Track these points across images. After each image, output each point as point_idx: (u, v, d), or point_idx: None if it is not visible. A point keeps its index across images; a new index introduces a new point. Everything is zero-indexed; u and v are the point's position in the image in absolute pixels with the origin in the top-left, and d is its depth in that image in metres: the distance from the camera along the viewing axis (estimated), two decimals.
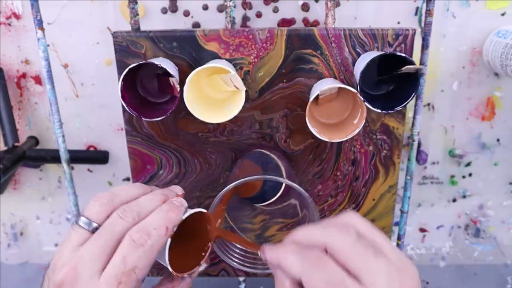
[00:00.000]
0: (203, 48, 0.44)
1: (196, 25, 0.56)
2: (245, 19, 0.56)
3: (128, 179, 0.65)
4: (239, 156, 0.49)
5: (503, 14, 0.55)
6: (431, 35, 0.46)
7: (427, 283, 0.68)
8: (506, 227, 0.68)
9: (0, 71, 0.59)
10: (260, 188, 0.47)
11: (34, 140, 0.63)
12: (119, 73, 0.45)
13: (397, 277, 0.29)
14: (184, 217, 0.34)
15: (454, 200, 0.66)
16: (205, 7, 0.56)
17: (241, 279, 0.57)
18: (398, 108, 0.41)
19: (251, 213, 0.50)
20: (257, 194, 0.47)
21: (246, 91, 0.40)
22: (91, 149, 0.64)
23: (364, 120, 0.41)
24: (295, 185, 0.37)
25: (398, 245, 0.55)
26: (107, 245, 0.31)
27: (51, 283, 0.30)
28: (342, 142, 0.48)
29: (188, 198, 0.50)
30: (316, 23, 0.56)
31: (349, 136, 0.42)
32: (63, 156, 0.50)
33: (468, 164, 0.64)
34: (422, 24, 0.53)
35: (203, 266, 0.37)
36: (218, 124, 0.46)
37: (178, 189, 0.38)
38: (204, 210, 0.36)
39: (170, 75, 0.40)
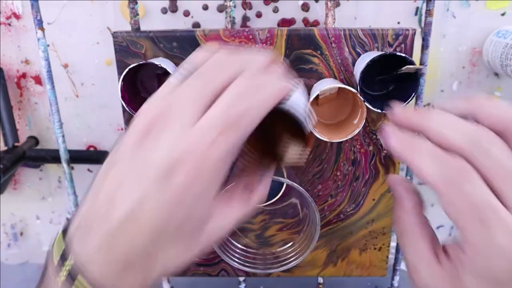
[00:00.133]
0: None
1: (196, 25, 0.56)
2: (245, 19, 0.56)
3: None
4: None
5: (503, 14, 0.55)
6: (431, 35, 0.46)
7: None
8: None
9: (0, 71, 0.59)
10: None
11: (34, 140, 0.63)
12: (119, 73, 0.45)
13: None
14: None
15: None
16: (205, 7, 0.56)
17: (241, 279, 0.57)
18: None
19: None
20: None
21: None
22: (91, 149, 0.64)
23: (364, 120, 0.41)
24: (295, 185, 0.37)
25: (398, 245, 0.55)
26: (208, 87, 0.25)
27: (133, 128, 0.25)
28: (342, 142, 0.48)
29: None
30: (316, 23, 0.56)
31: (349, 136, 0.42)
32: (63, 156, 0.50)
33: None
34: (422, 24, 0.53)
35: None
36: None
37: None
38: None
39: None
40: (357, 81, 0.41)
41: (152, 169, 0.24)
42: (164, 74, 0.41)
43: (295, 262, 0.42)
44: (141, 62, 0.39)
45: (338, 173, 0.50)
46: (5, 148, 0.60)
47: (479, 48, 0.57)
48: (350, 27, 0.44)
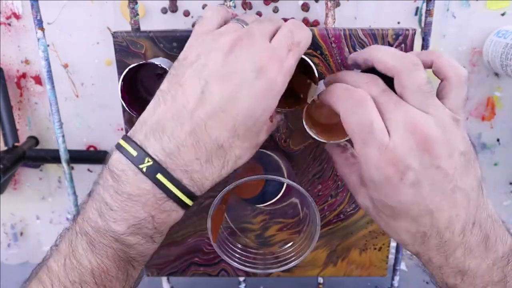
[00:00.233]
0: None
1: None
2: None
3: None
4: None
5: (503, 14, 0.55)
6: (431, 35, 0.46)
7: (427, 283, 0.68)
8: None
9: (0, 71, 0.59)
10: (261, 189, 0.47)
11: (34, 140, 0.63)
12: (119, 73, 0.45)
13: (417, 128, 0.30)
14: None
15: None
16: (205, 7, 0.56)
17: (241, 279, 0.57)
18: None
19: (251, 213, 0.50)
20: (259, 195, 0.47)
21: None
22: (91, 149, 0.64)
23: None
24: (296, 185, 0.37)
25: (398, 245, 0.55)
26: (271, 25, 0.34)
27: (216, 43, 0.32)
28: None
29: None
30: (316, 23, 0.56)
31: (347, 138, 0.42)
32: (63, 156, 0.50)
33: None
34: (422, 24, 0.53)
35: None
36: None
37: None
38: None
39: None
40: None
41: (245, 69, 0.31)
42: (164, 74, 0.41)
43: (295, 262, 0.42)
44: (141, 62, 0.39)
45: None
46: (5, 148, 0.60)
47: (479, 48, 0.57)
48: (350, 27, 0.44)
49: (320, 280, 0.58)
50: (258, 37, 0.32)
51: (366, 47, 0.36)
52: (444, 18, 0.56)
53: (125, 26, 0.56)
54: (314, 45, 0.44)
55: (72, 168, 0.59)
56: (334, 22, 0.46)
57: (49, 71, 0.48)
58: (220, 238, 0.43)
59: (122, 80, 0.39)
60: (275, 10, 0.56)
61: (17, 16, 0.57)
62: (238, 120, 0.31)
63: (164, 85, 0.33)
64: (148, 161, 0.30)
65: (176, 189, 0.31)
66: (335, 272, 0.54)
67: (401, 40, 0.43)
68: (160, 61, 0.40)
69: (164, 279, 0.60)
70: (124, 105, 0.40)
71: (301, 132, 0.48)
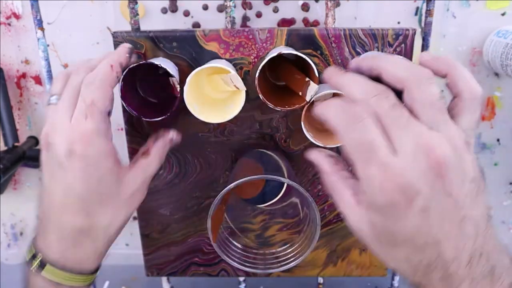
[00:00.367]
0: (203, 48, 0.44)
1: (196, 25, 0.57)
2: (245, 19, 0.56)
3: None
4: (239, 156, 0.49)
5: (503, 14, 0.55)
6: (431, 35, 0.46)
7: None
8: (506, 227, 0.68)
9: (0, 71, 0.59)
10: (261, 189, 0.47)
11: (34, 140, 0.63)
12: None
13: (430, 150, 0.28)
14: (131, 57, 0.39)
15: None
16: (205, 7, 0.56)
17: (241, 279, 0.57)
18: None
19: (251, 213, 0.50)
20: (259, 195, 0.47)
21: (246, 91, 0.40)
22: None
23: None
24: (296, 184, 0.37)
25: None
26: (71, 97, 0.36)
27: (40, 142, 0.37)
28: None
29: (188, 198, 0.50)
30: (316, 23, 0.56)
31: None
32: None
33: None
34: (422, 24, 0.53)
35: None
36: (218, 124, 0.46)
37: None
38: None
39: (170, 75, 0.40)
40: None
41: (56, 161, 0.35)
42: (164, 74, 0.41)
43: (295, 262, 0.42)
44: (140, 62, 0.39)
45: None
46: (5, 148, 0.60)
47: (479, 48, 0.57)
48: (350, 27, 0.44)
49: (320, 280, 0.58)
50: (59, 122, 0.36)
51: (371, 55, 0.34)
52: (444, 18, 0.56)
53: (125, 26, 0.56)
54: (314, 45, 0.44)
55: None
56: (334, 22, 0.46)
57: (49, 71, 0.48)
58: (220, 238, 0.43)
59: (122, 80, 0.39)
60: (275, 10, 0.56)
61: (17, 16, 0.57)
62: (76, 202, 0.36)
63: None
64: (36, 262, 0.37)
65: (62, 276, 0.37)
66: (335, 272, 0.54)
67: (401, 40, 0.43)
68: (160, 61, 0.40)
69: (164, 279, 0.60)
70: (124, 105, 0.40)
71: (301, 132, 0.48)
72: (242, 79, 0.40)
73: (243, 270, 0.42)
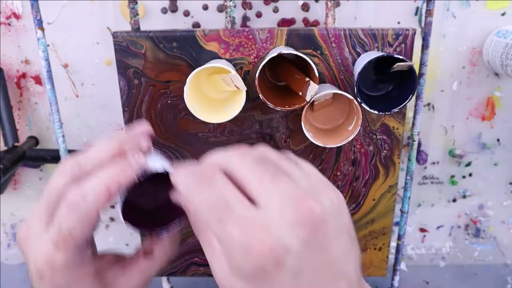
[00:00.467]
0: (203, 48, 0.44)
1: (196, 25, 0.56)
2: (245, 19, 0.56)
3: None
4: None
5: (503, 14, 0.55)
6: (431, 35, 0.46)
7: (427, 283, 0.68)
8: (506, 227, 0.68)
9: (0, 71, 0.59)
10: None
11: (34, 140, 0.63)
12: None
13: (298, 197, 0.24)
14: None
15: (454, 200, 0.66)
16: (205, 7, 0.56)
17: None
18: (395, 110, 0.41)
19: None
20: None
21: (246, 91, 0.40)
22: None
23: (359, 127, 0.42)
24: None
25: (398, 245, 0.55)
26: (48, 203, 0.29)
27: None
28: None
29: None
30: (316, 23, 0.56)
31: (344, 142, 0.42)
32: (63, 156, 0.50)
33: (468, 164, 0.64)
34: (422, 24, 0.54)
35: (177, 226, 0.33)
36: (218, 124, 0.46)
37: (143, 131, 0.33)
38: (171, 171, 0.30)
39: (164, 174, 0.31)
40: (355, 82, 0.41)
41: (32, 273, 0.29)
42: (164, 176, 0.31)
43: None
44: (139, 178, 0.30)
45: (338, 173, 0.50)
46: (5, 148, 0.60)
47: (479, 48, 0.57)
48: (350, 27, 0.44)
49: None
50: (33, 231, 0.30)
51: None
52: (444, 18, 0.56)
53: (125, 26, 0.56)
54: (314, 45, 0.44)
55: None
56: (334, 22, 0.46)
57: (49, 71, 0.48)
58: None
59: (123, 203, 0.31)
60: (275, 10, 0.56)
61: (17, 16, 0.57)
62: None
63: None
64: None
65: None
66: None
67: (401, 40, 0.43)
68: (156, 166, 0.32)
69: (164, 279, 0.60)
70: (132, 227, 0.32)
71: (301, 132, 0.48)
72: (242, 79, 0.40)
73: None
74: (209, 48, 0.44)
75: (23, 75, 0.60)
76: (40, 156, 0.61)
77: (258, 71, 0.39)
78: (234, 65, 0.44)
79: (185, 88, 0.40)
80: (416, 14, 0.56)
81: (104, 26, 0.57)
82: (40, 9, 0.45)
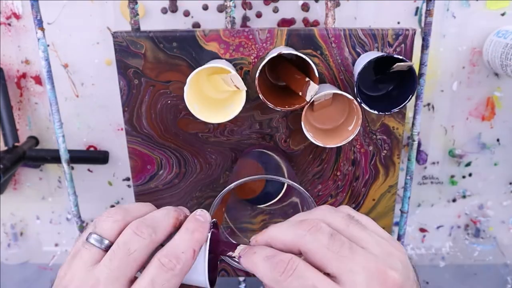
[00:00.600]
0: (203, 48, 0.44)
1: (196, 25, 0.57)
2: (245, 19, 0.56)
3: (128, 179, 0.65)
4: (239, 156, 0.49)
5: (503, 14, 0.55)
6: (431, 35, 0.46)
7: (427, 283, 0.68)
8: (506, 227, 0.68)
9: (0, 71, 0.59)
10: (262, 189, 0.47)
11: (34, 140, 0.63)
12: (119, 73, 0.45)
13: (378, 269, 0.27)
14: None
15: (454, 200, 0.66)
16: (205, 7, 0.56)
17: (241, 279, 0.57)
18: (395, 110, 0.41)
19: (251, 213, 0.50)
20: (259, 195, 0.47)
21: (246, 91, 0.40)
22: (91, 149, 0.64)
23: (359, 127, 0.42)
24: (296, 185, 0.37)
25: None
26: (125, 265, 0.29)
27: None
28: None
29: (188, 198, 0.50)
30: (316, 23, 0.56)
31: (343, 142, 0.42)
32: (63, 156, 0.50)
33: (468, 164, 0.64)
34: (422, 24, 0.54)
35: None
36: (218, 124, 0.46)
37: (185, 210, 0.35)
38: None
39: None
40: (355, 82, 0.41)
41: None
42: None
43: None
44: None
45: (338, 173, 0.50)
46: (5, 148, 0.60)
47: (479, 48, 0.57)
48: (350, 27, 0.44)
49: None
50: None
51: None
52: (444, 18, 0.56)
53: (125, 26, 0.56)
54: (314, 45, 0.44)
55: (72, 168, 0.59)
56: (334, 22, 0.46)
57: (49, 71, 0.48)
58: None
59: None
60: (275, 10, 0.56)
61: (17, 16, 0.57)
62: None
63: None
64: None
65: None
66: None
67: (401, 40, 0.43)
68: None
69: None
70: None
71: (301, 132, 0.48)
72: (242, 79, 0.40)
73: (243, 270, 0.42)
74: (209, 48, 0.44)
75: (23, 75, 0.60)
76: (40, 156, 0.61)
77: (258, 71, 0.39)
78: (234, 65, 0.44)
79: (185, 88, 0.40)
80: (416, 14, 0.56)
81: (104, 26, 0.57)
82: (40, 9, 0.45)
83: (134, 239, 0.29)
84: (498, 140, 0.62)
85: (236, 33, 0.43)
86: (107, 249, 0.29)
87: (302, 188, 0.37)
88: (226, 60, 0.44)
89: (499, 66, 0.53)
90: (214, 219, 0.33)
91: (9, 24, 0.58)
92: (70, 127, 0.62)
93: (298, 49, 0.43)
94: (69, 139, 0.58)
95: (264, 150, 0.47)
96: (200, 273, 0.31)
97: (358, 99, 0.41)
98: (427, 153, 0.63)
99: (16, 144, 0.60)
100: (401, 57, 0.39)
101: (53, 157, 0.60)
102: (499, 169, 0.64)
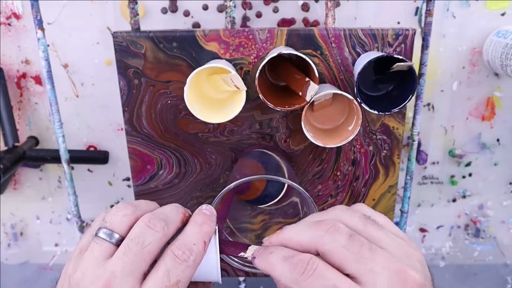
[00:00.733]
0: (203, 48, 0.44)
1: (196, 25, 0.57)
2: (245, 19, 0.56)
3: (128, 179, 0.65)
4: (239, 156, 0.49)
5: (503, 14, 0.55)
6: (431, 35, 0.46)
7: None
8: (506, 227, 0.68)
9: (0, 71, 0.59)
10: (263, 190, 0.47)
11: (34, 140, 0.63)
12: (119, 73, 0.45)
13: (399, 269, 0.27)
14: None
15: (454, 200, 0.66)
16: (205, 7, 0.56)
17: (241, 279, 0.57)
18: (395, 110, 0.41)
19: (251, 213, 0.50)
20: (259, 196, 0.47)
21: (246, 91, 0.40)
22: (91, 149, 0.64)
23: (359, 127, 0.42)
24: (295, 185, 0.37)
25: None
26: (139, 259, 0.28)
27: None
28: None
29: (188, 198, 0.50)
30: (316, 23, 0.56)
31: (343, 142, 0.42)
32: (63, 156, 0.50)
33: (468, 164, 0.64)
34: (422, 24, 0.54)
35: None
36: (218, 124, 0.46)
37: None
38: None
39: None
40: (355, 82, 0.41)
41: None
42: None
43: None
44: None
45: (338, 173, 0.50)
46: (5, 148, 0.60)
47: (479, 48, 0.57)
48: (350, 27, 0.44)
49: None
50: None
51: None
52: (444, 18, 0.56)
53: (125, 26, 0.56)
54: (314, 45, 0.44)
55: (72, 168, 0.59)
56: (334, 22, 0.46)
57: (49, 71, 0.48)
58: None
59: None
60: (275, 10, 0.56)
61: (17, 16, 0.57)
62: None
63: None
64: None
65: None
66: None
67: (401, 40, 0.43)
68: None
69: None
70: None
71: (301, 132, 0.48)
72: (242, 79, 0.40)
73: (243, 270, 0.42)
74: (209, 48, 0.44)
75: (23, 75, 0.60)
76: (40, 156, 0.61)
77: (258, 71, 0.39)
78: (234, 65, 0.44)
79: (185, 88, 0.40)
80: (416, 14, 0.56)
81: (104, 26, 0.57)
82: (40, 9, 0.45)
83: (148, 232, 0.29)
84: (498, 140, 0.62)
85: (236, 33, 0.43)
86: (117, 243, 0.29)
87: (302, 188, 0.37)
88: (226, 60, 0.44)
89: (499, 66, 0.53)
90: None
91: (9, 24, 0.58)
92: (70, 127, 0.62)
93: (298, 49, 0.43)
94: (69, 139, 0.58)
95: (265, 150, 0.47)
96: (211, 265, 0.32)
97: (358, 99, 0.41)
98: (427, 153, 0.63)
99: (16, 144, 0.60)
100: (401, 57, 0.39)
101: (53, 157, 0.60)
102: (499, 169, 0.64)
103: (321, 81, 0.45)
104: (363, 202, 0.51)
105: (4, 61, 0.59)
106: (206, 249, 0.31)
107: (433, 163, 0.64)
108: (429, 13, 0.45)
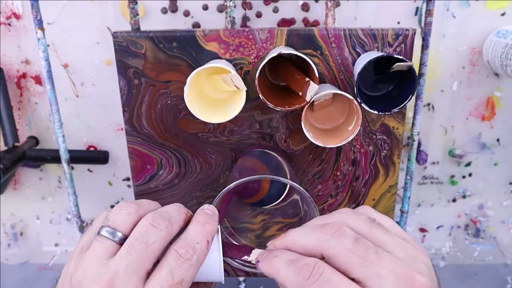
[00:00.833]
0: (203, 48, 0.44)
1: (196, 25, 0.57)
2: (245, 19, 0.56)
3: (128, 179, 0.65)
4: (239, 156, 0.49)
5: (503, 14, 0.55)
6: (431, 35, 0.46)
7: None
8: (506, 227, 0.68)
9: (0, 71, 0.59)
10: (267, 192, 0.47)
11: (34, 140, 0.63)
12: (119, 73, 0.45)
13: (405, 273, 0.27)
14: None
15: (454, 200, 0.66)
16: (205, 7, 0.56)
17: (241, 279, 0.57)
18: (395, 110, 0.41)
19: (251, 213, 0.50)
20: (264, 198, 0.47)
21: (246, 91, 0.40)
22: (91, 149, 0.64)
23: (359, 127, 0.42)
24: (296, 185, 0.37)
25: None
26: (143, 257, 0.28)
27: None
28: None
29: (188, 198, 0.50)
30: (316, 23, 0.56)
31: (343, 142, 0.42)
32: (63, 156, 0.50)
33: (468, 164, 0.64)
34: (422, 24, 0.54)
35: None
36: (218, 124, 0.46)
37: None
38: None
39: None
40: (355, 82, 0.41)
41: None
42: None
43: None
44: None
45: (338, 173, 0.50)
46: (5, 148, 0.60)
47: (479, 48, 0.57)
48: (350, 27, 0.44)
49: None
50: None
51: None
52: (444, 18, 0.56)
53: (125, 26, 0.56)
54: (314, 45, 0.44)
55: (72, 168, 0.59)
56: (334, 22, 0.46)
57: (49, 71, 0.48)
58: None
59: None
60: (275, 10, 0.56)
61: (17, 16, 0.57)
62: None
63: None
64: None
65: None
66: None
67: (401, 40, 0.43)
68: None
69: None
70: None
71: (301, 132, 0.48)
72: (242, 79, 0.40)
73: (243, 270, 0.42)
74: (209, 48, 0.44)
75: (23, 75, 0.60)
76: (40, 156, 0.61)
77: (258, 71, 0.39)
78: (234, 65, 0.44)
79: (185, 88, 0.40)
80: (416, 14, 0.56)
81: (104, 26, 0.57)
82: (40, 9, 0.45)
83: (151, 231, 0.29)
84: (498, 140, 0.62)
85: (236, 33, 0.43)
86: (120, 242, 0.29)
87: (302, 188, 0.37)
88: (226, 60, 0.44)
89: (499, 66, 0.53)
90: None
91: (9, 24, 0.58)
92: (70, 127, 0.62)
93: (298, 49, 0.43)
94: (69, 139, 0.58)
95: (266, 151, 0.47)
96: (214, 265, 0.32)
97: (358, 99, 0.41)
98: (427, 153, 0.63)
99: (16, 144, 0.60)
100: (401, 57, 0.39)
101: (53, 157, 0.60)
102: (499, 169, 0.64)
103: (321, 81, 0.45)
104: (363, 202, 0.51)
105: (4, 61, 0.59)
106: (209, 248, 0.31)
107: (433, 163, 0.64)
108: (429, 13, 0.45)
